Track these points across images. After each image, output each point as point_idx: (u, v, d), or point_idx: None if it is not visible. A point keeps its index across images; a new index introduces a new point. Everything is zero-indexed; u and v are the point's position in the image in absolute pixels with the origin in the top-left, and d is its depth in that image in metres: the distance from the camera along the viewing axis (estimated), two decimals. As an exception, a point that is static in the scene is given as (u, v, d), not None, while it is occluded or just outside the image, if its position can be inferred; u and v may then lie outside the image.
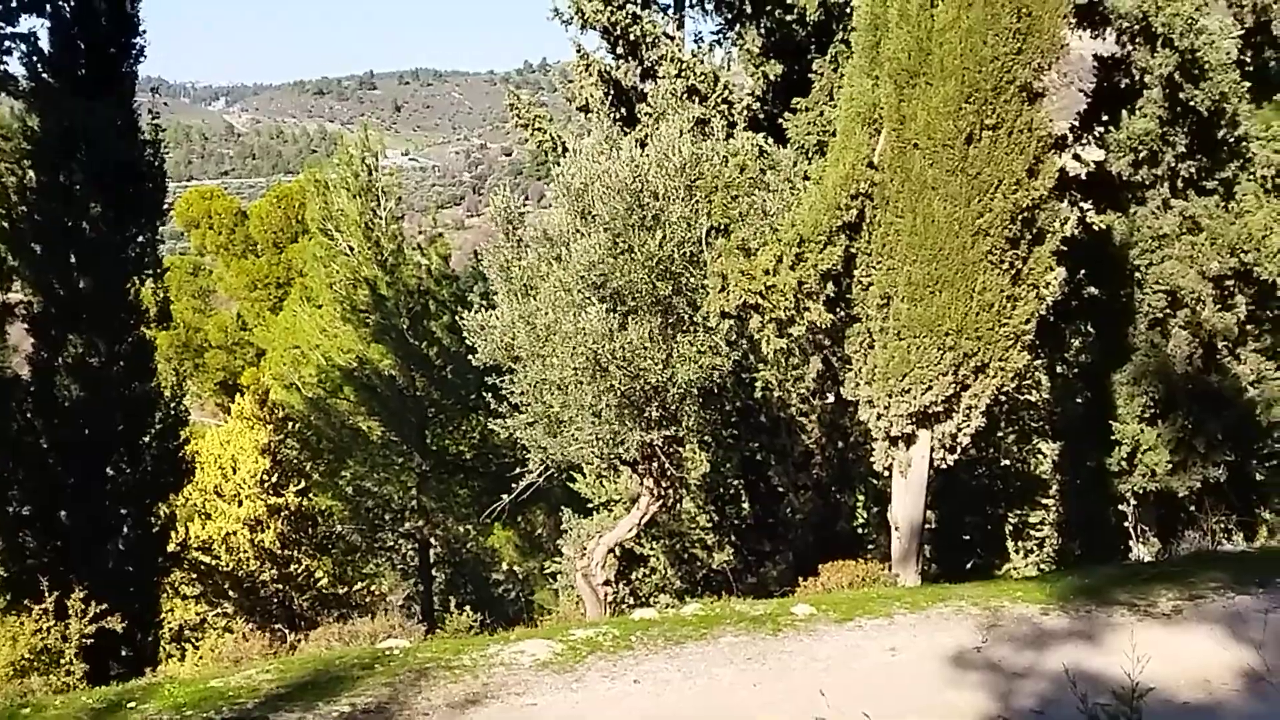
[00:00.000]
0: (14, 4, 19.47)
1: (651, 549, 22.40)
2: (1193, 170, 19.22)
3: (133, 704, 10.96)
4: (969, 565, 23.95)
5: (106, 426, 19.68)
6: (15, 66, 19.78)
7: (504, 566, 39.99)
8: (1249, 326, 18.99)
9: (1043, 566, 24.79)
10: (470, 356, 15.96)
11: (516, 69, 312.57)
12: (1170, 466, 19.41)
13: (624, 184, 14.79)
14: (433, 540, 35.23)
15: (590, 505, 21.95)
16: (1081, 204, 20.43)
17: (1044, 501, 25.95)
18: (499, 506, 18.67)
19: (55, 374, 19.47)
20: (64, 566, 18.81)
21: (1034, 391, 23.04)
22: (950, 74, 14.04)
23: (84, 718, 10.76)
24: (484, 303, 16.11)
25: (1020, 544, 26.21)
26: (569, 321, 14.50)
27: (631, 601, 21.00)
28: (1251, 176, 18.50)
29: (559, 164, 16.28)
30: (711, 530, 22.94)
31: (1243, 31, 18.52)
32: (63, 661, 16.64)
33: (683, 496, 19.46)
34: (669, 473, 16.04)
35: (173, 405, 21.17)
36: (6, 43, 19.58)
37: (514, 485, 17.31)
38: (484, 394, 16.69)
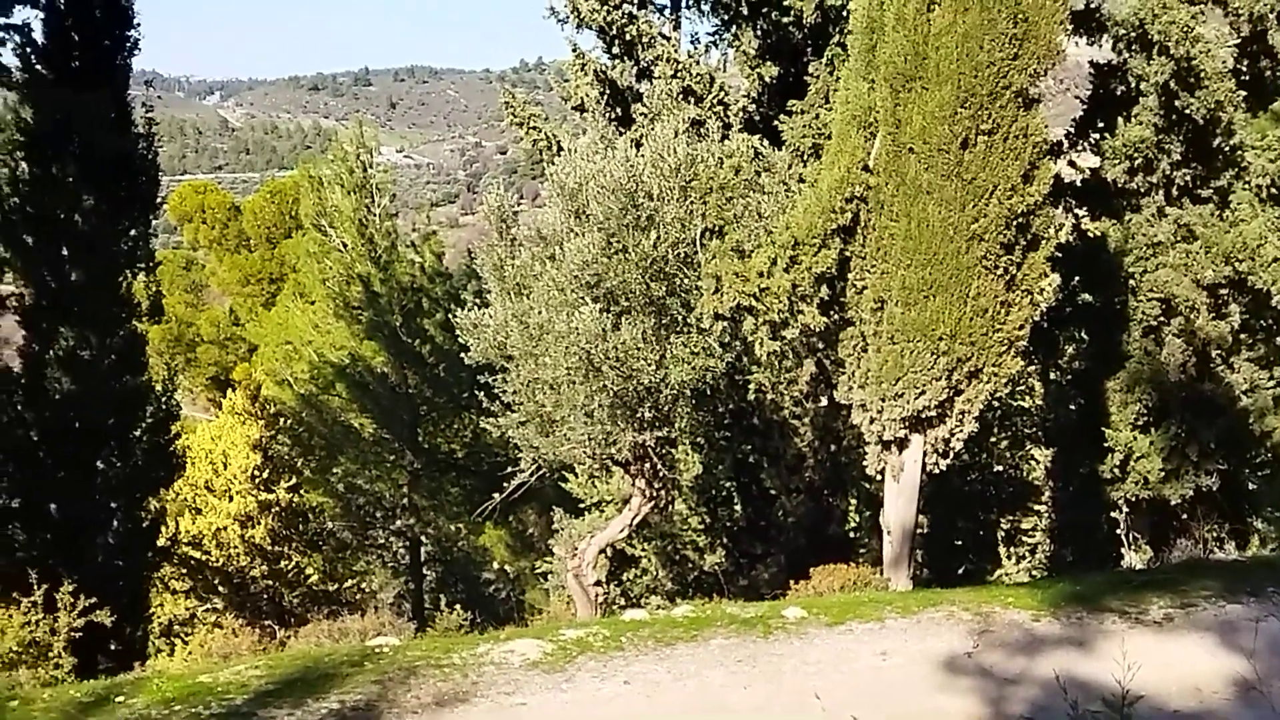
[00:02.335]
0: (6, -4, 19.47)
1: (643, 550, 22.43)
2: (1188, 178, 19.28)
3: (121, 698, 10.96)
4: (961, 570, 23.97)
5: (97, 419, 19.65)
6: (9, 58, 19.75)
7: (495, 565, 39.95)
8: (1242, 335, 19.03)
9: (1035, 573, 24.81)
10: (463, 355, 15.92)
11: (512, 67, 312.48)
12: (1163, 474, 19.43)
13: (619, 184, 14.78)
14: (424, 538, 35.23)
15: (582, 505, 21.98)
16: (1076, 210, 20.49)
17: (1036, 508, 25.98)
18: (490, 505, 18.65)
19: (46, 366, 19.43)
20: (53, 559, 18.76)
21: (1027, 397, 23.13)
22: (946, 79, 14.06)
23: (72, 711, 10.74)
24: (477, 301, 16.09)
25: (1012, 550, 26.23)
26: (562, 321, 14.49)
27: (622, 602, 21.03)
28: (1246, 185, 18.56)
29: (554, 163, 16.25)
30: (703, 532, 22.96)
31: (1239, 40, 18.59)
32: (51, 655, 16.61)
33: (675, 498, 19.43)
34: (661, 474, 16.03)
35: (164, 399, 21.13)
36: (5, 35, 19.57)
37: (506, 484, 17.27)
38: (476, 392, 16.67)
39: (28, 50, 19.76)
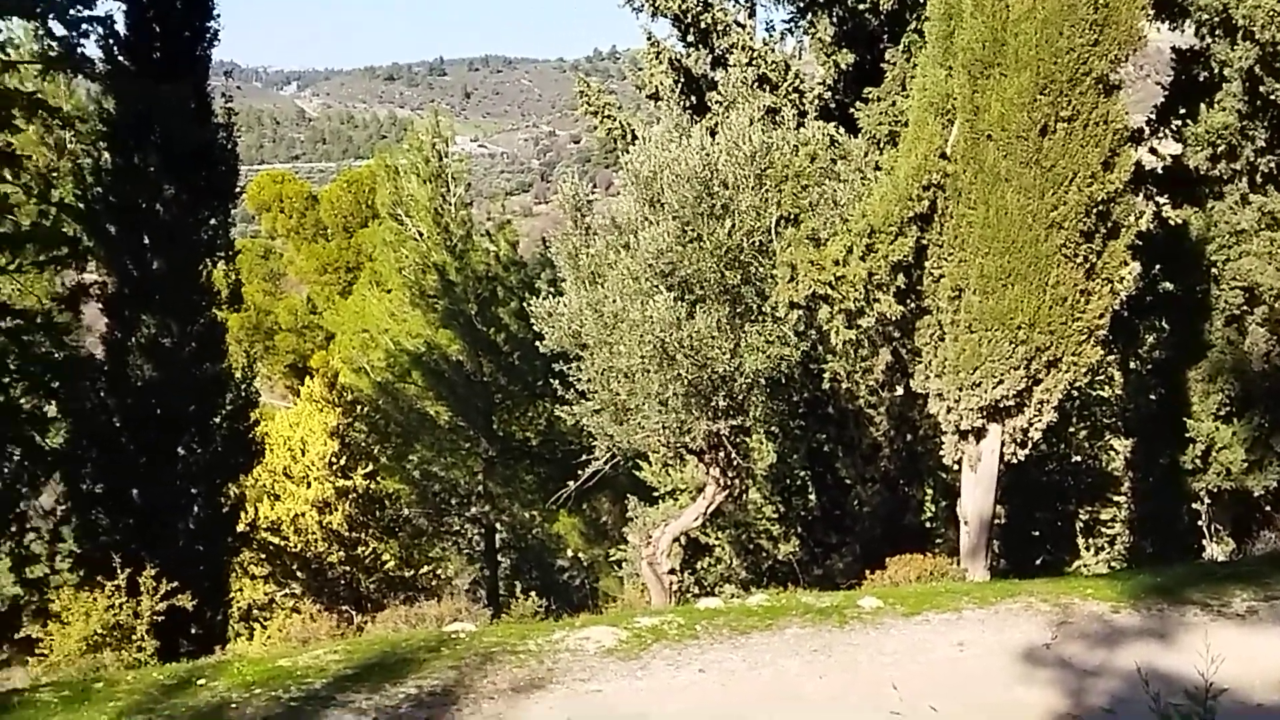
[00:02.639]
0: (89, -12, 19.74)
1: (717, 539, 22.43)
2: (1273, 165, 19.00)
3: (202, 681, 11.11)
4: (1038, 561, 23.77)
5: (178, 406, 19.90)
6: (92, 49, 20.01)
7: (569, 553, 40.06)
8: (1328, 324, 18.73)
9: (1114, 564, 24.54)
10: (537, 343, 16.02)
11: (586, 56, 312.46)
12: (1246, 465, 19.20)
13: (693, 172, 14.79)
14: (498, 525, 35.44)
15: (656, 493, 22.02)
16: (1157, 198, 20.23)
17: (1115, 498, 25.69)
18: (565, 493, 18.71)
19: (128, 354, 19.71)
20: (135, 544, 19.04)
21: (1106, 387, 22.87)
22: (1025, 65, 13.93)
23: (154, 693, 10.91)
24: (551, 289, 16.20)
25: (1091, 541, 25.96)
26: (636, 309, 14.51)
27: (696, 591, 21.04)
28: (1334, 173, 18.26)
29: (628, 152, 16.27)
30: (777, 521, 22.92)
31: (1327, 23, 18.25)
32: (134, 638, 16.86)
33: (749, 487, 19.45)
34: (735, 462, 16.03)
35: (243, 386, 21.38)
36: (84, 25, 19.82)
37: (580, 472, 17.32)
38: (550, 380, 16.76)
39: (110, 41, 20.01)
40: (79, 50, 19.86)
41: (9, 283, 21.24)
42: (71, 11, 19.56)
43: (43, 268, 20.90)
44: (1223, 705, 5.07)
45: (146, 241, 19.97)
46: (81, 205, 20.27)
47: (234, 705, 10.54)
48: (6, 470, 19.73)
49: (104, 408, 19.88)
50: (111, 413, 19.80)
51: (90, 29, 19.79)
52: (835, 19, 21.07)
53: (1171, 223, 19.85)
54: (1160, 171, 20.40)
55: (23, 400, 19.99)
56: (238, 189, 21.61)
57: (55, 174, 20.93)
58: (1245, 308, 19.09)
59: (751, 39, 21.01)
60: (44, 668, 16.99)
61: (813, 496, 23.11)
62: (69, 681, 12.46)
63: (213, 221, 20.66)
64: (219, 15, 20.64)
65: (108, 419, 19.81)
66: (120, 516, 19.68)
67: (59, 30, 19.70)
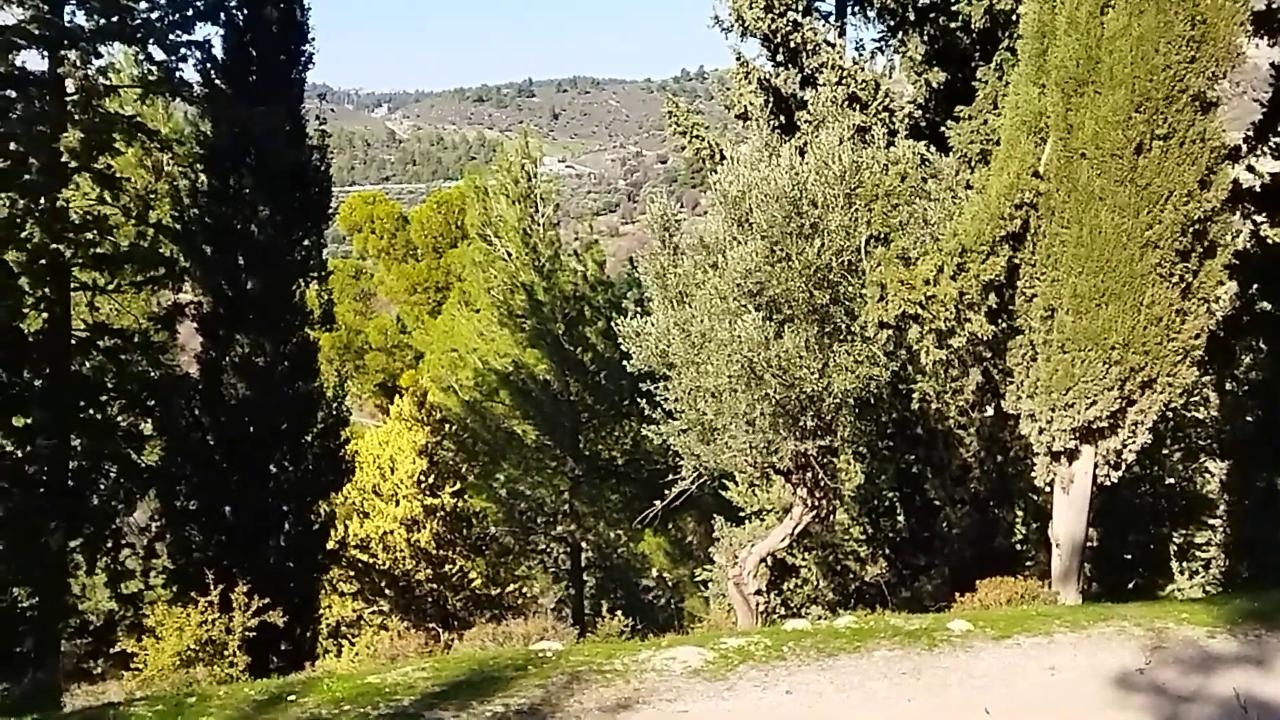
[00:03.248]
0: (190, 13, 20.10)
1: (804, 560, 22.31)
2: (1378, 181, 18.65)
3: (293, 697, 11.24)
4: (1131, 585, 23.43)
5: (270, 424, 20.19)
6: (190, 73, 20.44)
7: (654, 573, 40.08)
8: None
9: (1209, 588, 24.13)
10: (624, 362, 16.03)
11: (674, 77, 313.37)
12: (1349, 488, 18.84)
13: (782, 191, 14.76)
14: (584, 544, 35.50)
15: (742, 514, 21.93)
16: (1255, 217, 19.93)
17: (1211, 522, 25.27)
18: (651, 513, 18.72)
19: (222, 372, 20.03)
20: (228, 560, 19.31)
21: (1202, 408, 22.49)
22: (1120, 82, 13.79)
23: (246, 709, 11.05)
24: (639, 309, 16.15)
25: (1185, 565, 25.54)
26: (724, 329, 14.51)
27: (783, 612, 20.95)
28: None
29: (716, 171, 16.28)
30: (865, 543, 22.78)
31: None
32: (226, 653, 17.09)
33: (836, 507, 19.33)
34: (823, 483, 15.95)
35: (334, 405, 21.65)
36: (183, 50, 20.21)
37: (666, 492, 17.32)
38: (637, 400, 16.80)
39: (208, 66, 20.40)
40: (177, 74, 20.33)
41: (107, 302, 21.66)
42: (171, 37, 20.01)
43: (140, 288, 21.29)
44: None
45: (241, 262, 20.30)
46: (178, 226, 20.66)
47: (323, 720, 10.65)
48: (103, 487, 20.10)
49: (198, 426, 20.20)
50: (206, 430, 20.11)
51: (189, 54, 20.23)
52: (926, 37, 21.00)
53: (1270, 241, 19.57)
54: (1258, 189, 20.08)
55: (120, 418, 20.36)
56: (330, 210, 21.91)
57: (153, 196, 21.30)
58: (1347, 329, 18.78)
59: (841, 58, 20.98)
60: (138, 682, 17.26)
61: (901, 518, 22.95)
62: (163, 696, 12.65)
63: (306, 242, 20.97)
64: (313, 39, 21.04)
65: (202, 437, 20.12)
66: (213, 533, 19.98)
67: (158, 55, 20.24)
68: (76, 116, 19.52)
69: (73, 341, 19.85)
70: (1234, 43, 13.93)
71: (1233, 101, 15.70)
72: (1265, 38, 19.24)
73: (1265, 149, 20.21)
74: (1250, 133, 20.28)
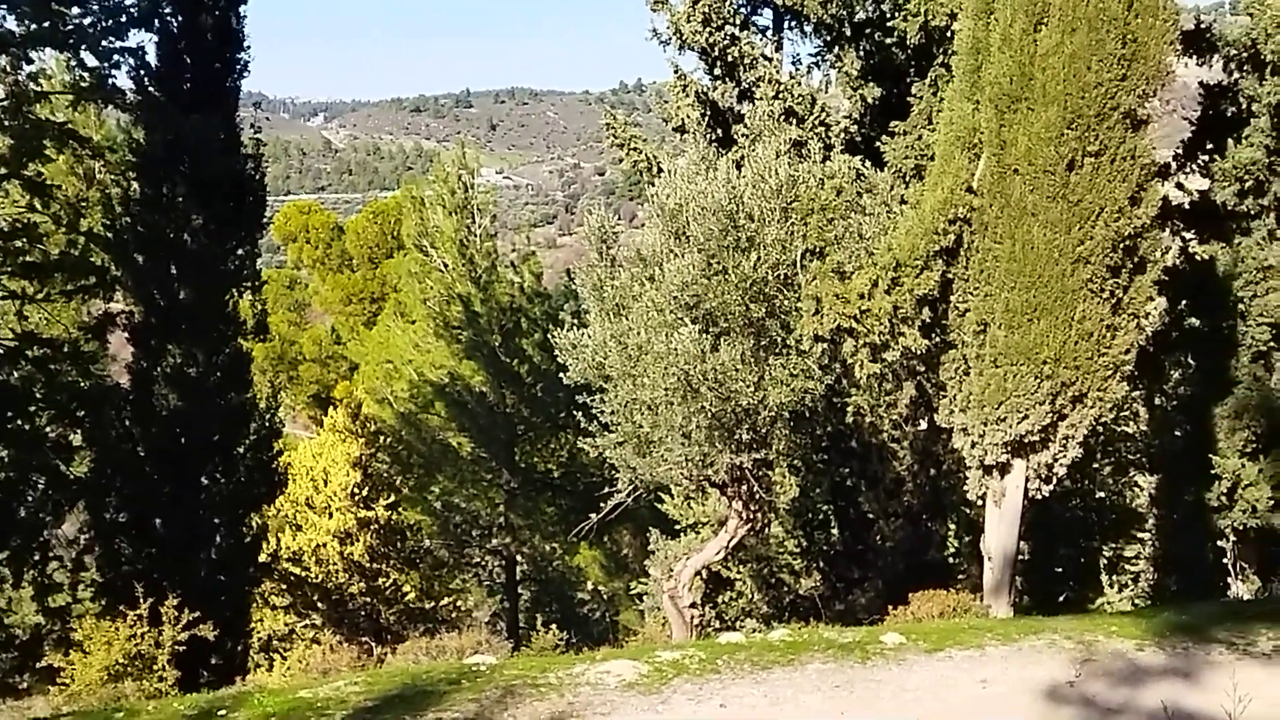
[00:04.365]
0: (123, 19, 19.89)
1: (738, 573, 22.37)
2: (1301, 201, 18.93)
3: (223, 712, 11.14)
4: (1062, 598, 23.66)
5: (202, 436, 20.00)
6: (123, 80, 20.23)
7: (589, 586, 40.03)
8: (1357, 362, 18.64)
9: (1138, 601, 24.40)
10: (561, 375, 16.01)
11: (612, 89, 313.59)
12: (1272, 503, 19.08)
13: (719, 205, 14.80)
14: (519, 557, 35.42)
15: (678, 527, 21.94)
16: (1184, 233, 20.20)
17: (1140, 535, 25.57)
18: (586, 526, 18.69)
19: (154, 383, 19.82)
20: (158, 573, 19.10)
21: (1132, 423, 22.77)
22: (1053, 99, 13.94)
23: (175, 724, 10.94)
24: (575, 321, 16.15)
25: (1115, 578, 25.82)
26: (661, 342, 14.51)
27: (718, 625, 20.97)
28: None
29: (653, 184, 16.30)
30: (799, 555, 22.86)
31: (1356, 60, 18.27)
32: (155, 667, 16.91)
33: (771, 520, 19.37)
34: (758, 496, 15.99)
35: (267, 417, 21.48)
36: (115, 56, 20.01)
37: (601, 505, 17.31)
38: (574, 412, 16.75)
39: (141, 73, 20.20)
40: (110, 81, 20.09)
41: (36, 311, 21.38)
42: (103, 43, 19.78)
43: (70, 297, 21.06)
44: (1251, 747, 5.03)
45: (174, 271, 20.11)
46: (110, 235, 20.43)
47: (253, 735, 10.56)
48: (30, 498, 19.81)
49: (129, 437, 19.98)
50: (136, 442, 19.90)
51: (121, 60, 20.01)
52: (862, 53, 21.16)
53: (1198, 258, 19.81)
54: (1187, 207, 20.35)
55: (48, 429, 20.09)
56: (265, 219, 21.75)
57: (84, 203, 21.09)
58: (1272, 344, 19.01)
59: (778, 72, 21.09)
60: (65, 697, 17.03)
61: (835, 531, 23.07)
62: (90, 712, 12.50)
63: (240, 252, 20.80)
64: (249, 47, 20.85)
65: (132, 448, 19.90)
66: (143, 546, 19.76)
67: (91, 61, 19.95)
68: (6, 123, 19.27)
69: (0, 351, 19.58)
70: (1164, 62, 14.11)
71: (1162, 119, 15.88)
72: (1194, 57, 19.54)
73: (1194, 167, 20.48)
74: (1180, 150, 20.55)
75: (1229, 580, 20.76)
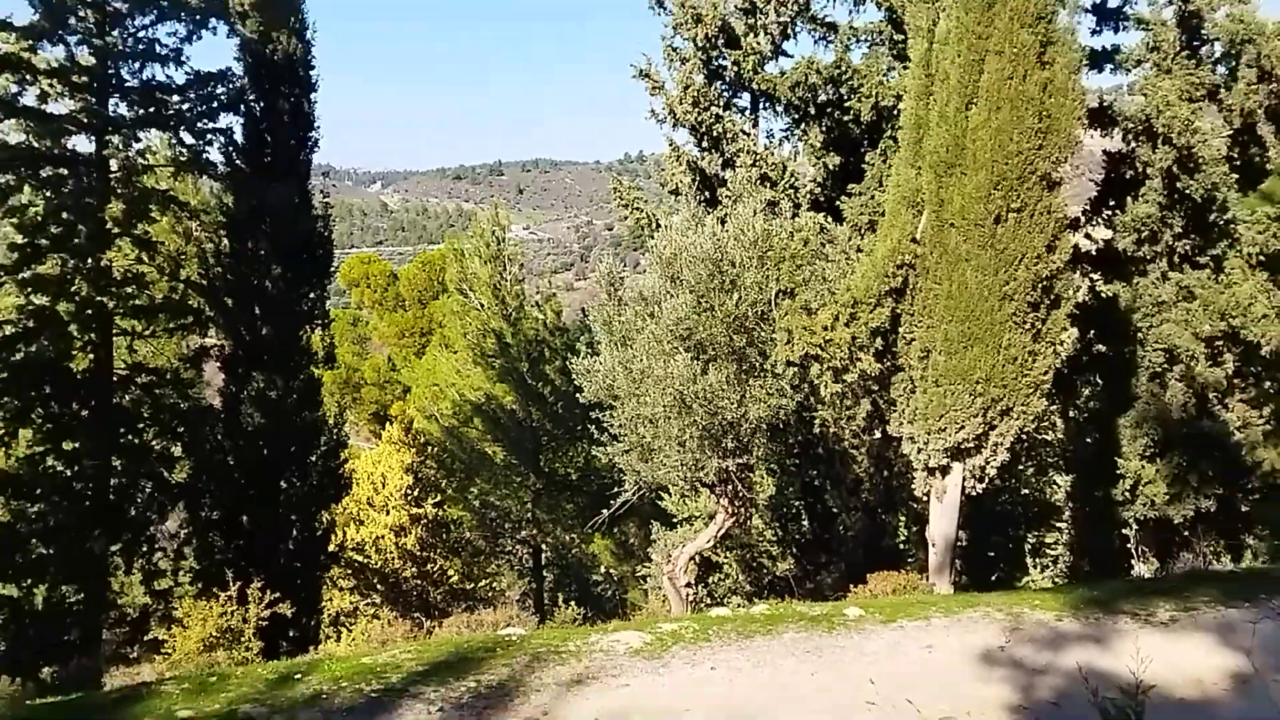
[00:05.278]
0: (215, 104, 20.03)
1: (725, 558, 22.26)
2: (1187, 247, 18.99)
3: (299, 676, 11.07)
4: (994, 577, 23.53)
5: (281, 448, 20.01)
6: (215, 155, 20.34)
7: (602, 569, 39.80)
8: (1235, 380, 18.63)
9: (1057, 580, 24.28)
10: (577, 394, 15.99)
11: (618, 159, 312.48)
12: (1167, 497, 19.06)
13: (706, 254, 14.81)
14: (544, 546, 35.28)
15: (675, 520, 21.86)
16: (1092, 275, 20.22)
17: (1058, 525, 25.48)
18: (599, 519, 18.68)
19: (241, 404, 19.84)
20: (245, 561, 19.10)
21: (1050, 432, 22.67)
22: (982, 165, 13.95)
23: (260, 686, 10.87)
24: (589, 350, 16.13)
25: (1037, 561, 25.72)
26: (659, 367, 14.50)
27: (708, 601, 20.88)
28: (1238, 253, 18.24)
29: (653, 237, 16.33)
30: (776, 543, 22.76)
31: (1231, 131, 18.33)
32: (242, 640, 16.85)
33: (752, 514, 19.29)
34: (741, 494, 15.94)
35: (335, 431, 21.45)
36: (209, 135, 20.11)
37: (612, 502, 17.29)
38: (588, 426, 16.74)
39: (230, 148, 20.31)
40: (204, 155, 20.20)
41: (144, 346, 21.46)
42: (199, 124, 19.91)
43: (172, 333, 21.12)
44: (1150, 700, 5.00)
45: (257, 312, 20.16)
46: (204, 282, 20.49)
47: (325, 696, 10.49)
48: (139, 500, 19.82)
49: (220, 449, 19.98)
50: (226, 453, 19.90)
51: (214, 138, 20.14)
52: (824, 128, 21.21)
53: (1104, 295, 19.81)
54: (1094, 253, 20.40)
55: (154, 442, 20.11)
56: (332, 269, 21.75)
57: (183, 257, 21.09)
58: (1165, 366, 19.01)
59: (755, 144, 21.14)
60: (168, 665, 16.99)
61: (805, 523, 22.95)
62: (189, 676, 12.42)
63: (311, 295, 20.82)
64: (319, 126, 20.91)
65: (223, 458, 19.90)
66: (232, 538, 19.75)
67: (188, 139, 20.11)
68: (119, 191, 19.35)
69: (115, 378, 19.59)
70: (1073, 133, 14.13)
71: (1073, 181, 15.89)
72: (1098, 129, 19.60)
73: (1099, 220, 20.55)
74: (1087, 207, 20.63)
75: (1132, 562, 20.71)
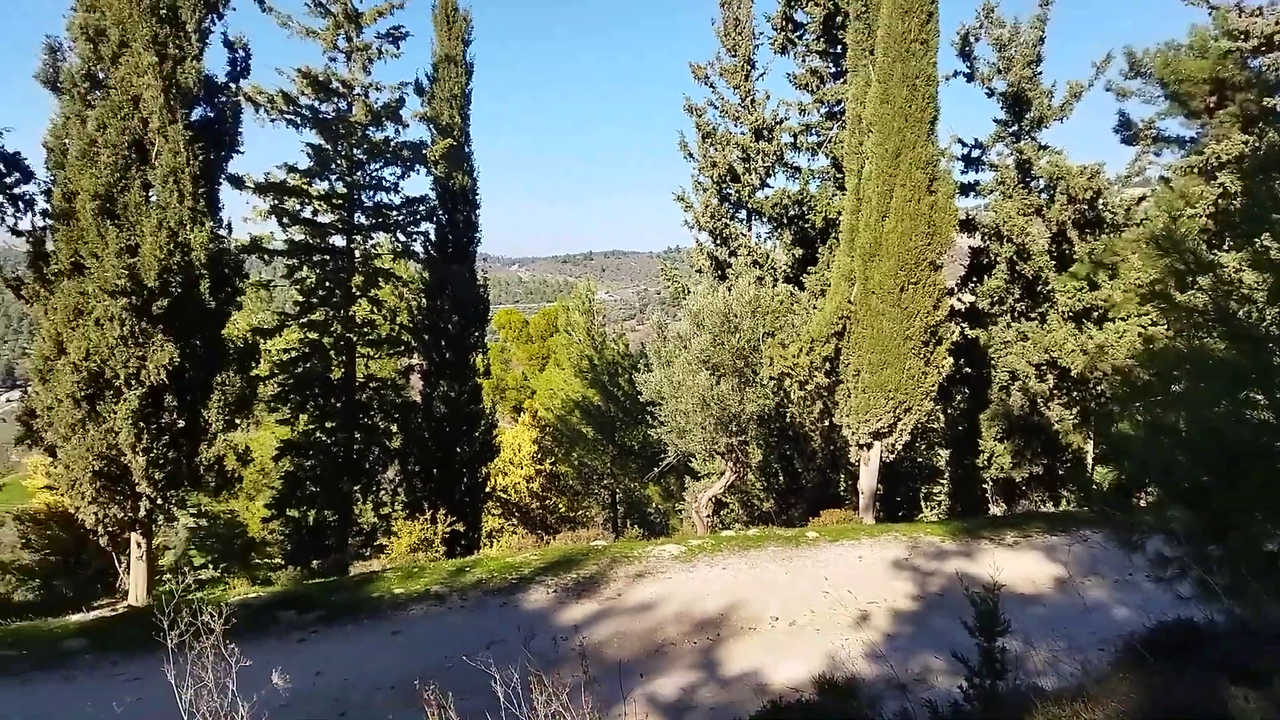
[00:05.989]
0: (418, 216, 20.34)
1: (731, 500, 22.16)
2: (1023, 307, 18.69)
3: (468, 569, 11.20)
4: (900, 515, 23.16)
5: (457, 427, 20.19)
6: (417, 247, 20.63)
7: (654, 505, 39.79)
8: (1055, 391, 18.27)
9: (940, 517, 23.87)
10: (638, 395, 16.07)
11: (665, 249, 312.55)
12: (1012, 464, 18.72)
13: (719, 310, 14.85)
14: (618, 490, 35.29)
15: (699, 475, 21.82)
16: (962, 324, 19.94)
17: (941, 481, 25.04)
18: (651, 475, 18.71)
19: (433, 401, 20.05)
20: (435, 498, 19.27)
21: (936, 422, 22.36)
22: (891, 255, 13.89)
23: (446, 574, 11.02)
24: (646, 368, 16.22)
25: (927, 504, 25.30)
26: (689, 380, 14.54)
27: (720, 526, 20.78)
28: (1056, 311, 17.91)
29: (686, 299, 16.40)
30: (763, 491, 22.62)
31: (1051, 234, 18.10)
32: (433, 546, 17.04)
33: (748, 472, 19.22)
34: (741, 460, 15.90)
35: (489, 417, 21.60)
36: (415, 234, 20.47)
37: (660, 463, 17.32)
38: (646, 415, 16.79)
39: (427, 244, 20.59)
40: (411, 248, 20.50)
41: (375, 364, 21.78)
42: (408, 229, 20.23)
43: (391, 357, 21.40)
44: (1002, 594, 4.96)
45: (442, 344, 20.38)
46: (411, 326, 20.75)
47: (484, 581, 10.63)
48: (370, 459, 20.09)
49: (420, 428, 20.21)
50: (424, 430, 20.12)
51: (416, 235, 20.45)
52: (793, 232, 21.14)
53: (969, 337, 19.55)
54: (963, 311, 20.12)
55: (380, 423, 20.40)
56: (488, 317, 21.99)
57: (398, 310, 21.41)
58: (1009, 382, 18.71)
59: (749, 242, 21.12)
60: (387, 560, 17.21)
61: (781, 478, 22.79)
62: (401, 567, 12.61)
63: (476, 334, 21.02)
64: (481, 229, 21.17)
65: (421, 434, 20.13)
66: (427, 483, 19.93)
67: (401, 238, 20.39)
68: (360, 269, 19.72)
69: (356, 384, 19.91)
70: (950, 235, 14.05)
71: (950, 265, 15.75)
72: (966, 233, 19.39)
73: (966, 289, 20.27)
74: (958, 281, 20.35)
75: (989, 506, 20.34)
